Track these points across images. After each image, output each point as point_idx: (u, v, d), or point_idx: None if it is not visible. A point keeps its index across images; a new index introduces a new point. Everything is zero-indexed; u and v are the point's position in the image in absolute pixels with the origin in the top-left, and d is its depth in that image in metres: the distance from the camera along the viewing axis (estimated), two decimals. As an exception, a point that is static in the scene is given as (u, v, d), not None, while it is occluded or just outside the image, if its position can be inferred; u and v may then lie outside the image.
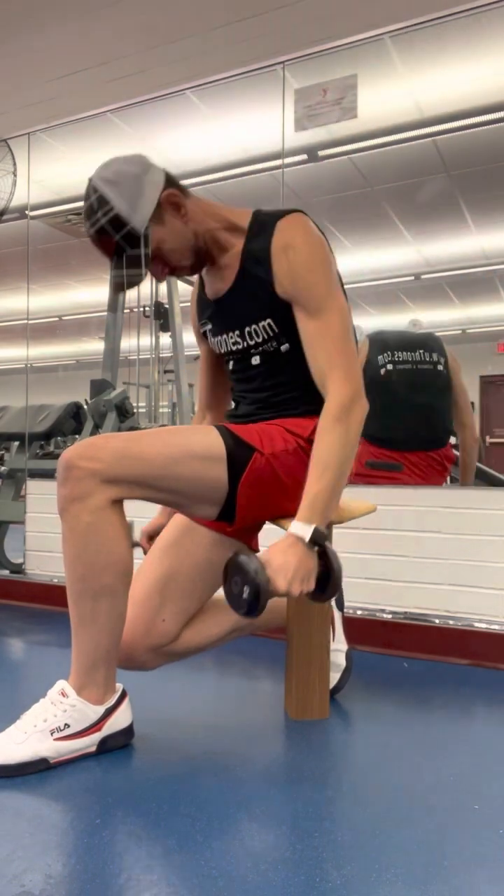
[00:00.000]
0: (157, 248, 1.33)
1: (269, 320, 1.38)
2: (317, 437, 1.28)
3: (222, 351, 1.50)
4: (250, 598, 1.12)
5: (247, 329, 1.41)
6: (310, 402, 1.39)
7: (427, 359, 2.44)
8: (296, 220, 1.35)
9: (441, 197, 2.70)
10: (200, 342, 1.61)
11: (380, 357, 2.47)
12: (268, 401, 1.44)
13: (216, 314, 1.46)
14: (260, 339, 1.40)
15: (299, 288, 1.32)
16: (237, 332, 1.43)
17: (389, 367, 2.45)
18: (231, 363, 1.51)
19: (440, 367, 2.43)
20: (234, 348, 1.46)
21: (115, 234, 1.29)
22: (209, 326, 1.50)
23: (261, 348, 1.41)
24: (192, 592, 1.37)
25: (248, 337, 1.41)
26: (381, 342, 2.52)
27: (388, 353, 2.47)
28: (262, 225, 1.37)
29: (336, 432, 1.26)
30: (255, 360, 1.43)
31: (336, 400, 1.28)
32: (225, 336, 1.46)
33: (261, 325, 1.39)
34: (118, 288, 1.34)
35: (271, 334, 1.39)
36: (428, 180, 2.70)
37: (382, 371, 2.44)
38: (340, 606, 1.71)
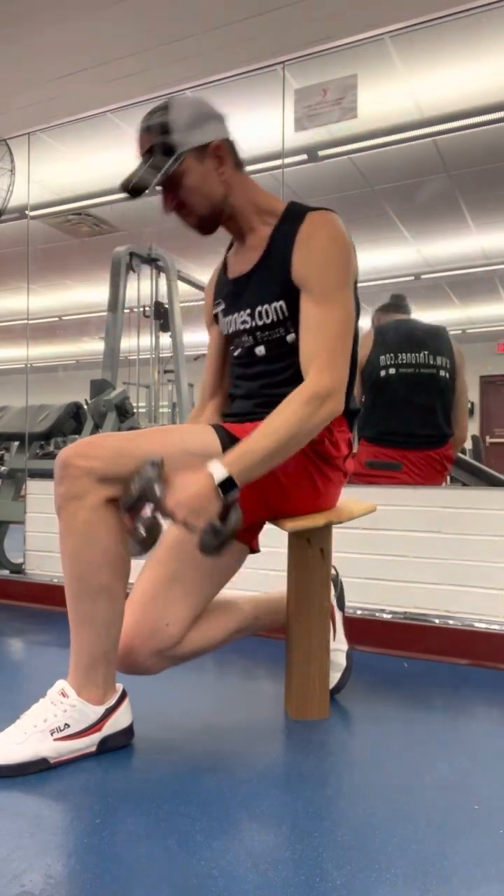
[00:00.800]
0: (179, 176, 1.35)
1: (281, 302, 1.39)
2: (281, 405, 1.27)
3: (230, 331, 1.50)
4: (136, 495, 1.13)
5: (258, 309, 1.42)
6: None
7: (431, 362, 2.41)
8: (327, 216, 1.38)
9: (441, 197, 2.70)
10: (211, 327, 1.62)
11: (381, 358, 2.45)
12: (263, 393, 1.43)
13: (232, 293, 1.48)
14: (269, 321, 1.41)
15: (312, 275, 1.34)
16: (248, 312, 1.44)
17: (392, 370, 2.42)
18: (237, 350, 1.51)
19: (443, 373, 2.40)
20: (241, 327, 1.46)
21: (156, 136, 1.33)
22: (222, 306, 1.51)
23: (267, 332, 1.42)
24: (196, 594, 1.37)
25: (257, 317, 1.42)
26: (385, 340, 2.49)
27: (391, 354, 2.44)
28: (295, 213, 1.40)
29: (301, 412, 1.25)
30: (260, 350, 1.44)
31: (314, 386, 1.27)
32: (236, 315, 1.47)
33: (273, 305, 1.40)
34: (124, 187, 1.34)
35: (280, 317, 1.39)
36: (428, 180, 2.71)
37: (382, 373, 2.43)
38: (341, 606, 1.72)
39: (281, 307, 1.39)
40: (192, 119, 1.35)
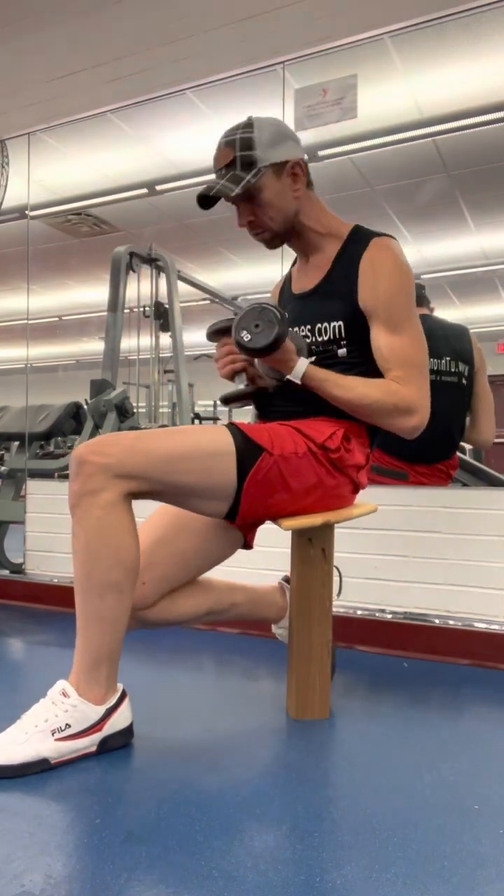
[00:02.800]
0: (258, 191, 1.41)
1: (340, 323, 1.44)
2: (370, 381, 1.39)
3: None
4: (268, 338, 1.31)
5: (318, 325, 1.47)
6: (339, 411, 1.43)
7: (453, 369, 2.30)
8: (389, 243, 1.44)
9: (441, 197, 2.70)
10: None
11: None
12: (299, 399, 1.46)
13: (295, 309, 1.54)
14: (327, 338, 1.46)
15: (381, 305, 1.40)
16: (308, 327, 1.49)
17: None
18: None
19: (464, 381, 2.31)
20: None
21: (238, 150, 1.39)
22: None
23: (321, 347, 1.47)
24: (179, 564, 1.39)
25: (317, 333, 1.48)
26: None
27: None
28: (359, 238, 1.47)
29: (385, 401, 1.36)
30: (312, 361, 1.47)
31: (402, 395, 1.36)
32: (296, 329, 1.51)
33: (332, 325, 1.45)
34: (205, 195, 1.40)
35: (337, 336, 1.45)
36: (428, 180, 2.71)
37: None
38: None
39: (339, 327, 1.44)
40: (273, 137, 1.41)
